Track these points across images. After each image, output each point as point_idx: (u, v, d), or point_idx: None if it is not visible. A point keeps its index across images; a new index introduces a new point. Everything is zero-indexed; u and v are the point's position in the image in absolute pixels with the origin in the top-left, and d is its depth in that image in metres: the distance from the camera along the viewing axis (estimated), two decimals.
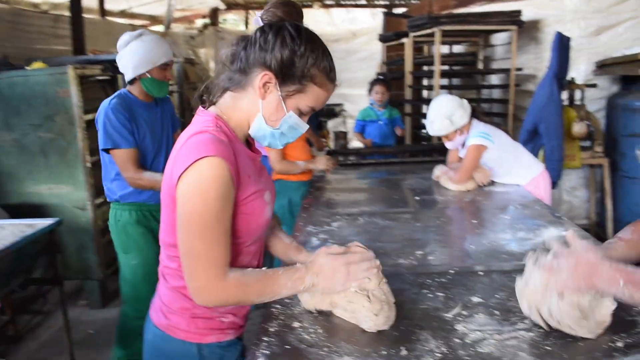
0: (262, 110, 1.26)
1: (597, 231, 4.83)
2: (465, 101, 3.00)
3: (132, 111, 2.47)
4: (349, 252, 1.37)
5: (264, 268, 1.31)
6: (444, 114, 2.93)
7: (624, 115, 4.47)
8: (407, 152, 4.49)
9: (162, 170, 2.45)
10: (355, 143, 5.67)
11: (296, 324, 1.37)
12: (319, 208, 2.57)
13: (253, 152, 1.36)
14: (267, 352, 1.25)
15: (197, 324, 1.35)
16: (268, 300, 1.29)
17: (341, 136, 5.41)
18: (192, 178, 1.17)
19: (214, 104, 1.33)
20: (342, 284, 1.32)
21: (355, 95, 7.07)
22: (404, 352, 1.21)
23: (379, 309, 1.32)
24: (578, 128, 4.40)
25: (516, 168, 3.02)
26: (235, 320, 1.40)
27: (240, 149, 1.28)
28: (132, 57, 2.43)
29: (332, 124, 6.90)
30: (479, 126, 2.98)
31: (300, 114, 1.28)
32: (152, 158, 2.57)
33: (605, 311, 1.24)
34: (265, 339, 1.31)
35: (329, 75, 1.26)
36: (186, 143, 1.22)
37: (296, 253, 1.56)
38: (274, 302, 1.51)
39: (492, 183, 2.99)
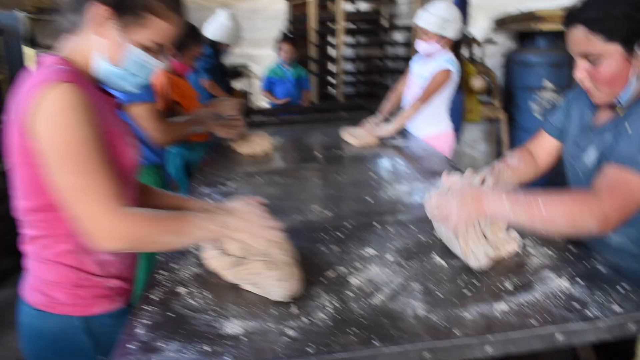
0: (102, 49, 1.15)
1: None
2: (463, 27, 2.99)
3: None
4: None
5: None
6: (444, 15, 2.88)
7: (519, 70, 4.64)
8: (313, 111, 4.41)
9: None
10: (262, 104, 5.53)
11: (182, 290, 1.26)
12: (215, 168, 2.44)
13: (107, 96, 1.27)
14: (149, 322, 1.14)
15: (80, 294, 1.22)
16: (178, 245, 1.19)
17: (242, 95, 5.24)
18: (46, 112, 1.05)
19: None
20: (260, 228, 1.25)
21: (262, 55, 6.86)
22: (294, 310, 1.14)
23: (288, 273, 1.21)
24: (477, 83, 4.52)
25: (434, 119, 3.04)
26: (123, 285, 1.30)
27: (91, 89, 1.17)
28: None
29: (238, 85, 6.68)
30: (450, 55, 2.95)
31: (146, 49, 1.18)
32: None
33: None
34: (146, 307, 1.19)
35: (170, 5, 1.17)
36: (28, 87, 1.09)
37: (188, 203, 1.50)
38: (159, 269, 1.39)
39: (397, 136, 2.99)
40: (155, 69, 1.23)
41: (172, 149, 3.17)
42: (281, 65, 4.69)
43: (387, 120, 3.12)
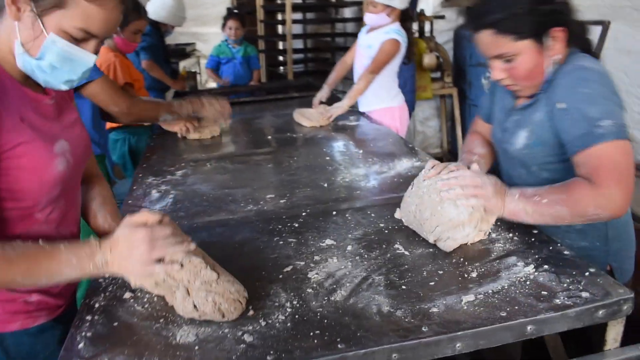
0: (19, 35, 0.98)
1: (449, 159, 5.07)
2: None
3: None
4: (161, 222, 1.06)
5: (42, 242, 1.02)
6: None
7: (470, 46, 4.62)
8: (263, 91, 4.28)
9: None
10: (211, 85, 5.36)
11: (127, 295, 1.16)
12: (161, 155, 2.31)
13: (39, 93, 1.09)
14: (89, 333, 1.04)
15: None
16: (47, 284, 1.04)
17: (190, 77, 5.04)
18: None
19: None
20: (141, 263, 1.01)
21: (209, 33, 6.61)
22: (250, 313, 1.06)
23: (212, 303, 1.03)
24: (428, 59, 4.49)
25: (385, 92, 2.97)
26: (46, 300, 1.16)
27: (9, 86, 1.01)
28: None
29: (184, 65, 6.44)
30: (398, 26, 2.86)
31: (72, 39, 0.99)
32: None
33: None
34: (87, 317, 1.09)
35: None
36: None
37: (105, 226, 1.28)
38: None
39: (349, 116, 2.91)
40: (87, 63, 1.04)
41: (115, 135, 3.01)
42: (228, 43, 4.51)
43: (333, 93, 3.03)
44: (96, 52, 1.04)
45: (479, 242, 1.28)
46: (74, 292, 1.30)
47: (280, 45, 6.04)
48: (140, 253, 1.00)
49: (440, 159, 4.83)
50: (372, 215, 1.51)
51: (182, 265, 1.05)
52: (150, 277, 1.04)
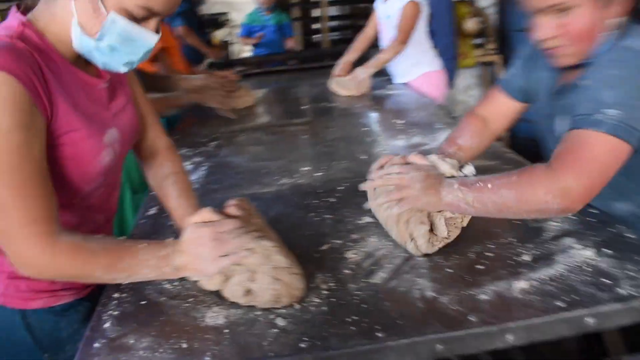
0: (76, 15, 0.90)
1: None
2: None
3: None
4: (222, 217, 1.01)
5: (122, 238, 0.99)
6: None
7: (515, 11, 4.40)
8: (297, 59, 4.18)
9: None
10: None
11: None
12: (196, 127, 2.26)
13: (93, 76, 1.02)
14: (116, 312, 1.00)
15: (18, 286, 1.06)
16: (125, 281, 0.98)
17: (223, 47, 4.97)
18: None
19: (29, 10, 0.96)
20: (210, 263, 0.96)
21: (242, 2, 6.54)
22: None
23: (273, 290, 0.96)
24: (470, 25, 4.30)
25: (416, 60, 2.85)
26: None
27: (63, 69, 0.94)
28: None
29: (218, 36, 6.37)
30: None
31: (133, 18, 0.90)
32: None
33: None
34: (115, 295, 1.05)
35: None
36: None
37: (181, 223, 1.16)
38: None
39: (387, 84, 2.80)
40: (148, 43, 0.95)
41: None
42: (260, 11, 4.41)
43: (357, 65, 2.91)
44: (157, 31, 0.95)
45: (530, 220, 1.17)
46: None
47: (315, 13, 5.89)
48: (207, 251, 0.95)
49: None
50: None
51: (251, 251, 0.98)
52: (221, 271, 0.97)
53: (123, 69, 0.99)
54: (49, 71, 0.91)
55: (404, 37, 2.70)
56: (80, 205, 1.06)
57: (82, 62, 1.00)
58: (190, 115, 2.48)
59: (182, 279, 1.07)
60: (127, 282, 0.98)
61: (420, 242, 1.08)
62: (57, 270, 0.91)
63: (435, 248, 1.09)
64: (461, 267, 1.03)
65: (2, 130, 0.83)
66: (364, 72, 2.69)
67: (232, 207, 1.05)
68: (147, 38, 0.94)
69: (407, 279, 1.01)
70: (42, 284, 1.07)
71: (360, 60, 2.88)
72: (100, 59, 0.95)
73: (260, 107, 2.60)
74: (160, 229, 1.33)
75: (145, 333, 0.93)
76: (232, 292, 0.99)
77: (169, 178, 1.22)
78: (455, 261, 1.06)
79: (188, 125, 2.28)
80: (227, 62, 4.05)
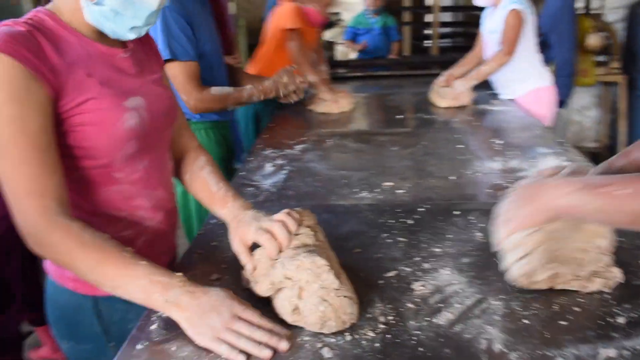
0: None
1: (607, 156, 4.49)
2: None
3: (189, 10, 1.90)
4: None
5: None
6: None
7: None
8: (402, 65, 4.07)
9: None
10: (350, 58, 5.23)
11: (215, 276, 1.09)
12: (285, 128, 2.24)
13: (112, 47, 1.05)
14: (166, 315, 0.97)
15: None
16: (110, 291, 0.92)
17: (327, 46, 4.96)
18: None
19: None
20: (201, 337, 0.86)
21: (354, 2, 6.52)
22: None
23: (319, 312, 0.89)
24: (593, 40, 3.95)
25: (524, 74, 2.65)
26: None
27: (76, 43, 0.98)
28: None
29: (329, 35, 6.39)
30: None
31: None
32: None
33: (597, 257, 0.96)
34: None
35: None
36: None
37: (219, 206, 1.14)
38: (196, 246, 1.23)
39: (491, 99, 2.63)
40: (149, 6, 0.99)
41: None
42: (366, 14, 4.34)
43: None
44: None
45: (632, 275, 1.01)
46: (170, 263, 1.26)
47: (428, 18, 5.72)
48: (212, 322, 0.85)
49: (597, 154, 4.29)
50: None
51: (300, 264, 0.92)
52: (205, 346, 0.86)
53: (130, 35, 1.02)
54: (56, 49, 0.94)
55: (508, 47, 2.53)
56: (123, 181, 1.06)
57: (99, 35, 1.02)
58: (281, 114, 2.47)
59: (234, 290, 1.03)
60: (112, 292, 0.91)
61: (513, 269, 0.96)
62: (47, 249, 0.90)
63: (533, 283, 0.97)
64: (541, 320, 0.90)
65: (9, 106, 0.87)
66: (464, 85, 2.55)
67: (280, 218, 1.03)
68: (148, 1, 0.98)
69: (475, 325, 0.90)
70: None
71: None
72: (108, 27, 0.99)
73: (354, 112, 2.54)
74: None
75: (189, 342, 0.89)
76: (280, 307, 0.94)
77: (205, 168, 1.21)
78: (534, 311, 0.93)
79: (278, 125, 2.26)
80: (330, 63, 4.03)
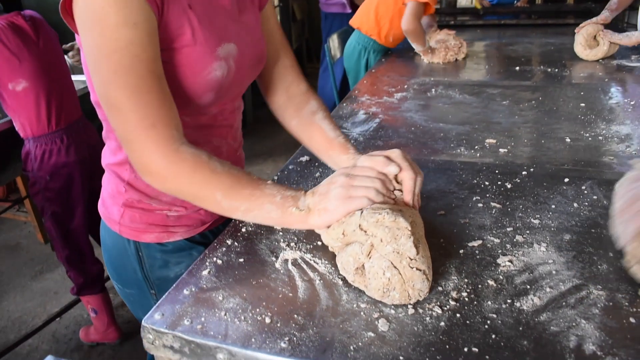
0: None
1: None
2: None
3: None
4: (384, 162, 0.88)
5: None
6: None
7: None
8: (531, 13, 3.67)
9: None
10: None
11: (280, 228, 1.01)
12: (388, 74, 2.08)
13: None
14: (220, 261, 0.92)
15: (133, 217, 1.03)
16: (242, 214, 0.86)
17: None
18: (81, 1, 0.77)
19: None
20: (336, 206, 0.84)
21: None
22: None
23: (384, 278, 0.79)
24: None
25: None
26: (187, 215, 1.06)
27: None
28: None
29: None
30: None
31: None
32: None
33: None
34: (228, 241, 0.97)
35: None
36: None
37: (339, 152, 1.05)
38: None
39: (632, 54, 2.27)
40: None
41: (357, 41, 2.84)
42: None
43: (618, 27, 2.35)
44: None
45: None
46: (216, 217, 1.16)
47: None
48: (338, 186, 0.85)
49: None
50: None
51: (380, 220, 0.81)
52: (346, 212, 0.84)
53: None
54: None
55: None
56: (190, 125, 0.97)
57: None
58: (388, 61, 2.30)
59: (297, 242, 0.94)
60: (246, 218, 0.86)
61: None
62: (177, 180, 0.83)
63: None
64: None
65: (110, 26, 0.76)
66: (626, 39, 2.18)
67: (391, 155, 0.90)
68: None
69: (567, 316, 0.74)
70: (156, 217, 1.04)
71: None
72: None
73: (469, 61, 2.31)
74: (308, 177, 1.22)
75: (237, 293, 0.83)
76: (344, 261, 0.84)
77: (317, 113, 1.10)
78: None
79: (381, 72, 2.11)
80: (450, 11, 3.74)
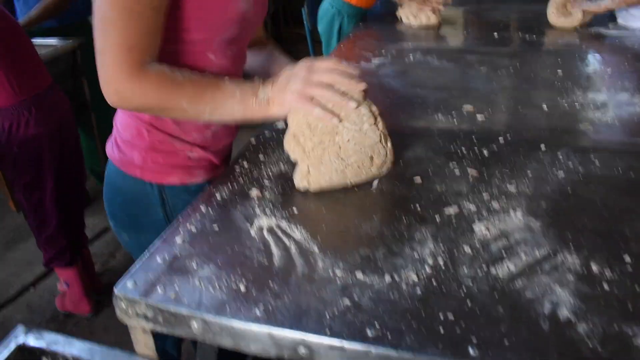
0: None
1: None
2: None
3: None
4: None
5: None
6: None
7: None
8: None
9: None
10: None
11: (254, 193, 0.99)
12: (365, 39, 2.04)
13: None
14: (194, 228, 0.90)
15: (156, 159, 1.07)
16: (209, 116, 0.95)
17: None
18: None
19: None
20: (296, 95, 0.93)
21: None
22: (378, 256, 0.81)
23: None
24: None
25: None
26: (206, 156, 1.11)
27: None
28: None
29: None
30: None
31: None
32: None
33: None
34: (202, 208, 0.95)
35: None
36: None
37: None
38: (242, 157, 1.13)
39: (609, 22, 2.26)
40: None
41: (330, 3, 2.75)
42: None
43: None
44: None
45: None
46: (229, 156, 1.23)
47: None
48: (298, 79, 0.93)
49: None
50: (597, 163, 1.08)
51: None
52: (305, 104, 0.93)
53: None
54: None
55: None
56: (212, 63, 1.03)
57: None
58: (366, 26, 2.26)
59: (272, 209, 0.93)
60: (213, 119, 0.96)
61: None
62: (142, 98, 0.90)
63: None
64: (627, 292, 0.73)
65: None
66: (596, 6, 2.16)
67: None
68: None
69: (541, 283, 0.75)
70: (179, 158, 1.08)
71: None
72: None
73: (447, 27, 2.28)
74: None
75: (211, 260, 0.81)
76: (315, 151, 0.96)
77: (274, 50, 1.28)
78: (621, 275, 0.76)
79: (359, 37, 2.07)
80: None
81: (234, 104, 0.93)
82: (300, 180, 0.98)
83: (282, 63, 1.22)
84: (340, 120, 0.94)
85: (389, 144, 1.00)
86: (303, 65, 0.96)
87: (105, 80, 0.89)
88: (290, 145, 0.99)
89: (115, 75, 0.87)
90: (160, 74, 0.90)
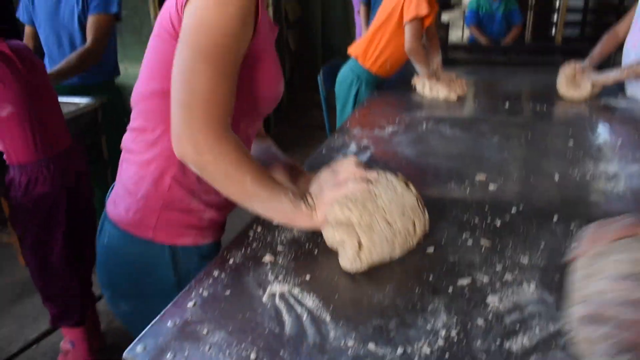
0: None
1: None
2: None
3: None
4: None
5: None
6: None
7: None
8: (521, 52, 3.74)
9: None
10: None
11: (267, 258, 1.00)
12: (381, 107, 2.10)
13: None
14: (206, 293, 0.90)
15: (170, 218, 1.06)
16: (260, 202, 0.94)
17: (442, 28, 4.68)
18: None
19: None
20: (329, 189, 0.99)
21: None
22: (391, 327, 0.80)
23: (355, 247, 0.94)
24: None
25: None
26: (217, 218, 1.13)
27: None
28: None
29: (447, 18, 6.08)
30: None
31: None
32: None
33: None
34: (215, 273, 0.96)
35: None
36: None
37: (296, 178, 1.22)
38: (256, 222, 1.14)
39: (619, 93, 2.30)
40: None
41: (350, 70, 2.84)
42: None
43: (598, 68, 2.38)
44: None
45: None
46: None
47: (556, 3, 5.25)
48: (326, 180, 1.02)
49: None
50: None
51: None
52: (338, 198, 0.98)
53: None
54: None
55: None
56: (242, 130, 1.08)
57: None
58: (382, 94, 2.33)
59: (285, 275, 0.93)
60: (260, 207, 0.96)
61: None
62: (218, 157, 0.88)
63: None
64: None
65: (228, 14, 0.87)
66: (604, 78, 2.21)
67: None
68: None
69: (556, 358, 0.73)
70: (193, 219, 1.08)
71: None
72: None
73: (460, 98, 2.34)
74: None
75: (222, 326, 0.81)
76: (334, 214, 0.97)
77: (272, 145, 1.31)
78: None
79: (374, 105, 2.13)
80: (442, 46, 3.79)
81: (287, 201, 0.95)
82: (352, 262, 0.94)
83: (279, 157, 1.26)
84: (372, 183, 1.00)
85: (425, 209, 1.03)
86: (327, 171, 1.05)
87: (186, 132, 0.87)
88: (330, 230, 0.97)
89: (202, 129, 0.86)
90: (239, 142, 0.90)
